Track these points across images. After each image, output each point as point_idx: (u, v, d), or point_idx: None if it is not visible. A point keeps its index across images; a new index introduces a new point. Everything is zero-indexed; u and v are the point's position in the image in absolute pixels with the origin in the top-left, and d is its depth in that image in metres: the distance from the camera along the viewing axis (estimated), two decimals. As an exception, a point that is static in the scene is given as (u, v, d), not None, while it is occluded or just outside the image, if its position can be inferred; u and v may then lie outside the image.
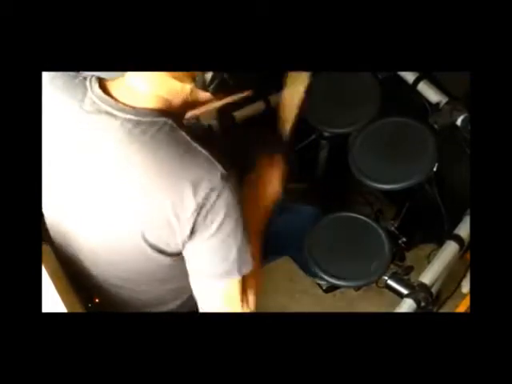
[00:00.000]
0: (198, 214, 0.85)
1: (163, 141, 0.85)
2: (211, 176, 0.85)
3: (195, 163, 0.85)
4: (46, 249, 1.04)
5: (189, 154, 0.86)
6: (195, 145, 0.86)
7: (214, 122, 1.53)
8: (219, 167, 0.86)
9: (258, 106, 1.62)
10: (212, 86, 0.89)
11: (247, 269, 0.92)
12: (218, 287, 0.93)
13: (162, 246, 0.91)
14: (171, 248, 0.92)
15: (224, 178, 0.85)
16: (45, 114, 0.90)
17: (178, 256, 0.94)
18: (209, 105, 1.31)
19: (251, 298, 0.98)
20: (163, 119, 0.86)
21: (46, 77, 0.91)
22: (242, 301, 0.95)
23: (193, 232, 0.87)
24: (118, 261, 0.98)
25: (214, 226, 0.87)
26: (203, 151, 0.86)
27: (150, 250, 0.92)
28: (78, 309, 1.02)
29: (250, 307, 0.97)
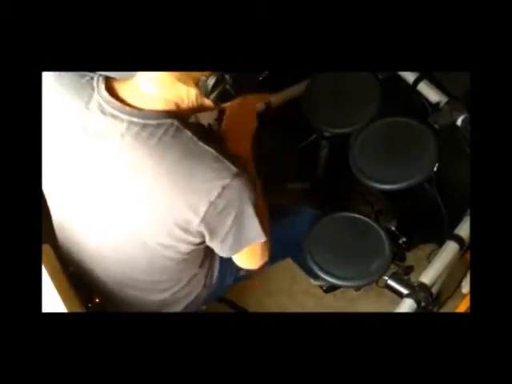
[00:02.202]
0: (213, 212, 0.86)
1: (170, 143, 0.85)
2: (222, 174, 0.85)
3: (204, 163, 0.85)
4: (46, 249, 1.04)
5: (197, 154, 0.85)
6: (202, 144, 0.86)
7: (213, 122, 1.53)
8: (229, 164, 0.86)
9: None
10: (213, 96, 0.87)
11: (261, 239, 0.96)
12: (238, 256, 1.00)
13: (175, 246, 0.92)
14: (184, 247, 0.93)
15: (234, 174, 0.85)
16: (50, 115, 0.89)
17: (188, 254, 0.96)
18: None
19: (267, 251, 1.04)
20: (169, 120, 0.85)
21: (52, 76, 0.90)
22: (263, 256, 1.04)
23: (209, 229, 0.89)
24: (128, 261, 0.99)
25: (229, 220, 0.88)
26: (210, 150, 0.86)
27: (161, 251, 0.93)
28: (78, 309, 1.02)
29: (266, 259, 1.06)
